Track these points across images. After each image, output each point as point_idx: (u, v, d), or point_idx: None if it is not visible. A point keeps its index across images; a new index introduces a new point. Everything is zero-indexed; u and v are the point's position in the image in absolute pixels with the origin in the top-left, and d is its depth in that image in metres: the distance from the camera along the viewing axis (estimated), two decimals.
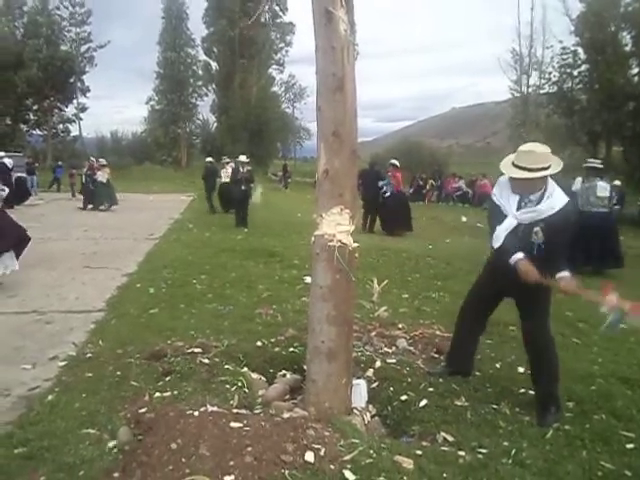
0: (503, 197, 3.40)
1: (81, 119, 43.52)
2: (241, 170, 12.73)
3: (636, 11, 23.37)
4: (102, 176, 16.88)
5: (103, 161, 18.32)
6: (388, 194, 12.49)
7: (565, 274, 3.19)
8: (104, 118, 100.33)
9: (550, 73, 27.54)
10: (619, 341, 4.89)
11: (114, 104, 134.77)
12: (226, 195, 15.74)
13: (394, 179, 12.86)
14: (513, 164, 3.26)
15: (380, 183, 12.58)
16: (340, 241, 3.24)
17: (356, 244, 3.32)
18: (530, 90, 30.44)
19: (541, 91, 29.52)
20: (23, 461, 2.65)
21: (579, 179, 8.80)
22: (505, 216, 3.35)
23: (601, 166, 8.54)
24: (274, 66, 47.92)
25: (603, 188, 8.43)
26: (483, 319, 3.80)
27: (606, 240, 8.44)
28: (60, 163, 28.26)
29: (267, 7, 41.88)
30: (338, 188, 3.26)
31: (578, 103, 26.04)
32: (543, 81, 28.78)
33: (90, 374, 3.73)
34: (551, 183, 3.27)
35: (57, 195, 21.15)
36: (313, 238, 3.33)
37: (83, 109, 43.42)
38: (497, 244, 3.36)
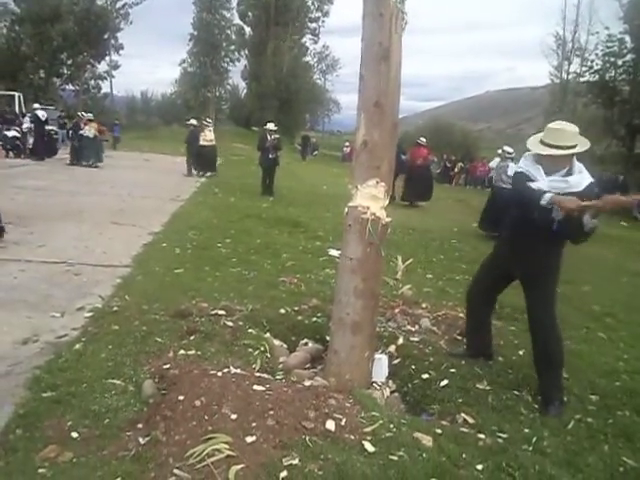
0: (530, 169, 3.32)
1: (113, 76, 43.66)
2: (269, 138, 12.62)
3: None
4: (89, 131, 16.54)
5: (90, 116, 17.93)
6: None
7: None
8: (135, 77, 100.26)
9: (592, 61, 26.49)
10: None
11: (145, 64, 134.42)
12: (203, 158, 16.17)
13: (413, 154, 14.30)
14: (541, 142, 3.23)
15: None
16: (374, 214, 3.20)
17: (389, 219, 3.27)
18: (570, 77, 29.46)
19: (581, 79, 28.51)
20: (51, 405, 2.72)
21: (497, 159, 10.84)
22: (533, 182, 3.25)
23: (511, 155, 10.14)
24: (308, 35, 47.28)
25: (513, 168, 9.60)
26: (491, 300, 3.77)
27: None
28: (117, 122, 27.88)
29: None
30: (376, 160, 3.20)
31: (619, 94, 25.06)
32: (584, 69, 27.75)
33: (116, 327, 3.79)
34: (577, 163, 3.22)
35: None
36: (346, 209, 3.29)
37: (115, 66, 43.49)
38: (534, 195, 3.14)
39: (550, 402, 3.24)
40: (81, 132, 16.53)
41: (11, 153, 16.75)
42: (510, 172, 9.44)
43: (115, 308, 4.20)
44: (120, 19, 41.92)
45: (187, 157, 16.67)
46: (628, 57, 24.59)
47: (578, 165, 3.21)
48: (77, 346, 3.46)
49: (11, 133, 17.04)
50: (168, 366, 3.13)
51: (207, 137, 16.30)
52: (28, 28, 36.53)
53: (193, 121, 17.53)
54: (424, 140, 14.77)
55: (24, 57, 36.93)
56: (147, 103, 49.82)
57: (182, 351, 3.38)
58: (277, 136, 12.92)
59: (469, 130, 40.40)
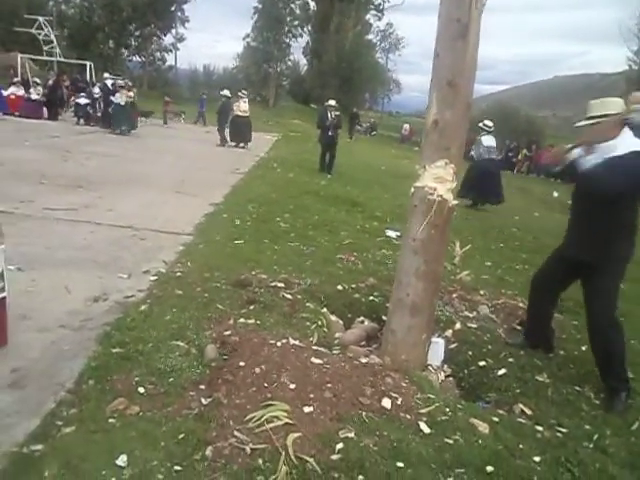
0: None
1: (178, 49, 44.51)
2: (329, 116, 12.43)
3: None
4: (120, 98, 15.95)
5: (121, 82, 17.42)
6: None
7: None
8: (197, 51, 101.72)
9: None
10: None
11: (208, 37, 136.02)
12: (237, 128, 16.34)
13: None
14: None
15: None
16: (441, 196, 3.13)
17: (456, 202, 3.21)
18: None
19: None
20: (120, 360, 2.86)
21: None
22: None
23: (490, 129, 10.69)
24: (372, 12, 46.29)
25: (489, 139, 10.64)
26: (555, 293, 3.65)
27: (492, 181, 10.52)
28: (204, 96, 25.75)
29: None
30: (446, 141, 3.13)
31: None
32: None
33: (179, 291, 3.92)
34: (627, 134, 3.13)
35: (150, 120, 21.78)
36: (412, 189, 3.24)
37: (181, 39, 44.30)
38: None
39: (615, 395, 3.15)
40: (112, 99, 16.27)
41: (82, 120, 17.44)
42: (485, 143, 10.56)
43: (178, 274, 4.35)
44: None
45: (218, 127, 16.93)
46: None
47: (623, 136, 3.11)
48: (143, 307, 3.61)
49: (83, 101, 17.72)
50: (229, 333, 3.23)
51: (241, 108, 16.41)
52: None
53: (226, 92, 17.61)
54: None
55: (95, 27, 38.16)
56: (209, 77, 50.54)
57: (242, 319, 3.47)
58: (338, 113, 12.76)
59: (534, 116, 38.77)
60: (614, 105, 3.18)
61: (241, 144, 16.58)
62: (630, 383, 3.24)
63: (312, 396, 2.57)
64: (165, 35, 43.99)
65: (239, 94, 17.10)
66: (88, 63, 26.33)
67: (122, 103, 16.02)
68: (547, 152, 25.45)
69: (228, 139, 16.68)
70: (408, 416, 2.56)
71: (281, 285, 4.12)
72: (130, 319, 3.37)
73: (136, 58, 44.17)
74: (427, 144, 3.22)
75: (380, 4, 45.89)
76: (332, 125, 12.39)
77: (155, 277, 4.29)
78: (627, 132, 3.14)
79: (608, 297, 3.22)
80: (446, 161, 3.13)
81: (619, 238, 3.18)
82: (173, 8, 42.05)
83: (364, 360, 3.11)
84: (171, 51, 44.57)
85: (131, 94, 16.66)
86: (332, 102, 12.85)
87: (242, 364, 2.78)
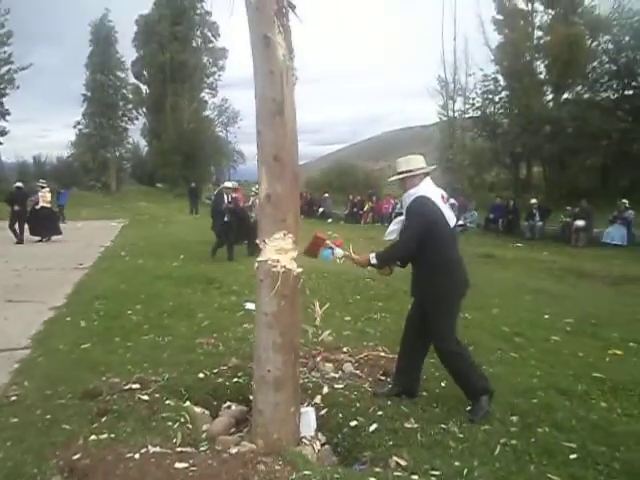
0: None
1: (0, 143, 41.20)
2: (226, 199, 11.28)
3: (547, 43, 25.20)
4: None
5: None
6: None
7: (372, 255, 3.73)
8: (25, 142, 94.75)
9: (473, 99, 28.94)
10: (554, 353, 5.09)
11: (37, 127, 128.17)
12: (44, 220, 15.13)
13: (238, 199, 12.85)
14: None
15: None
16: (284, 266, 3.19)
17: (300, 269, 3.27)
18: (456, 114, 31.75)
19: (466, 115, 30.85)
20: None
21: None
22: None
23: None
24: (206, 90, 47.50)
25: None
26: (423, 342, 3.85)
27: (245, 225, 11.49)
28: (62, 191, 23.09)
29: (199, 32, 42.06)
30: (281, 213, 3.22)
31: (500, 127, 27.44)
32: (467, 106, 30.07)
33: (15, 419, 3.43)
34: (421, 184, 3.66)
35: None
36: (256, 264, 3.26)
37: (3, 133, 41.13)
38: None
39: (476, 402, 3.56)
40: None
41: None
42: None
43: (13, 398, 3.83)
44: (5, 85, 40.02)
45: (11, 222, 14.92)
46: (503, 94, 27.18)
47: (416, 187, 3.65)
48: None
49: None
50: (78, 456, 2.86)
51: (47, 199, 15.56)
52: None
53: (19, 184, 16.25)
54: (236, 184, 13.70)
55: None
56: (41, 168, 47.24)
57: (93, 436, 3.12)
58: (235, 195, 11.89)
59: (370, 169, 41.98)
60: (416, 162, 3.74)
61: (54, 237, 15.26)
62: (487, 387, 3.63)
63: None
64: None
65: (38, 185, 15.85)
66: None
67: None
68: (387, 202, 27.55)
69: (21, 234, 14.83)
70: None
71: (136, 386, 3.80)
72: None
73: None
74: (263, 218, 3.29)
75: (213, 83, 47.31)
76: (228, 210, 11.25)
77: None
78: (426, 181, 3.71)
79: (439, 332, 3.64)
80: (284, 232, 3.21)
81: (433, 278, 3.60)
82: None
83: (234, 450, 2.96)
84: None
85: None
86: (229, 184, 11.99)
87: None
